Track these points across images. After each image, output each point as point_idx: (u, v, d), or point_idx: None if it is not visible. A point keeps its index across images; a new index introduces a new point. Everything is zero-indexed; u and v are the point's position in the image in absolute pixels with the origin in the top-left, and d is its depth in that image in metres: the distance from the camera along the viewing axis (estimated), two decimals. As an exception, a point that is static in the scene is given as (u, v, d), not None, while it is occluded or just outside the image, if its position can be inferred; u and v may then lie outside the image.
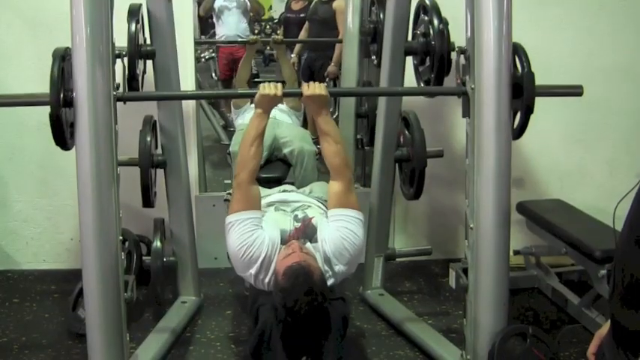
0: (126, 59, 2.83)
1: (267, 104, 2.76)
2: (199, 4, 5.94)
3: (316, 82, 2.78)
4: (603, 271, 3.24)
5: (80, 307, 3.20)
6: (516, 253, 3.84)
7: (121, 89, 2.65)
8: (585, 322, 3.46)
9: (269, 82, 2.79)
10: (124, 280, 2.67)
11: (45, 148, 3.77)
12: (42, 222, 4.09)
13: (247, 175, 2.69)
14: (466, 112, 2.79)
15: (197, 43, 5.01)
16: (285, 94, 2.78)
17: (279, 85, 2.75)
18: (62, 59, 2.46)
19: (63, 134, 2.46)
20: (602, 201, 3.35)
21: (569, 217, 3.83)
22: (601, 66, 4.25)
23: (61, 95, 2.44)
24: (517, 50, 2.73)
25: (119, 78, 2.66)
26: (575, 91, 2.94)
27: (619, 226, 1.46)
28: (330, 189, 2.79)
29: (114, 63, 2.57)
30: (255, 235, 2.60)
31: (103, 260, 2.53)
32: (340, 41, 4.71)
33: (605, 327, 1.58)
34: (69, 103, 2.46)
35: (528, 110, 2.70)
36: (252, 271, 2.60)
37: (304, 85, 2.77)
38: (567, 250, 3.52)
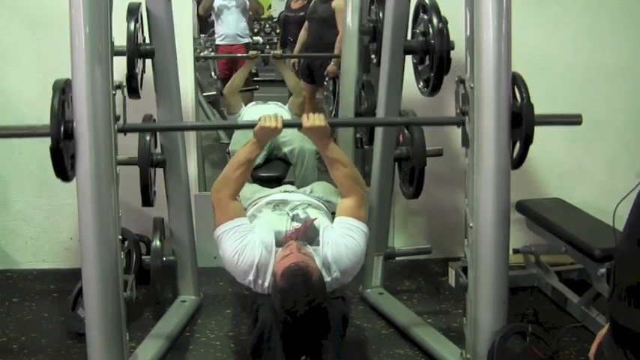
0: (126, 90, 2.81)
1: (266, 136, 2.78)
2: (199, 3, 5.95)
3: (315, 114, 2.79)
4: (603, 270, 3.24)
5: (80, 307, 3.20)
6: (516, 251, 3.85)
7: (121, 120, 2.65)
8: (585, 320, 3.46)
9: (269, 115, 2.78)
10: (123, 280, 2.67)
11: (45, 148, 3.78)
12: (41, 221, 4.09)
13: (228, 193, 2.72)
14: (465, 142, 2.81)
15: (198, 59, 5.00)
16: (285, 126, 2.79)
17: (280, 117, 2.75)
18: (62, 92, 2.46)
19: (64, 166, 2.46)
20: (602, 200, 3.36)
21: (569, 215, 3.84)
22: (601, 64, 4.25)
23: (62, 128, 2.44)
24: (516, 80, 2.73)
25: (119, 106, 2.66)
26: (574, 120, 2.95)
27: (618, 225, 1.46)
28: (341, 203, 2.81)
29: (112, 62, 2.56)
30: (245, 240, 2.61)
31: (103, 260, 2.52)
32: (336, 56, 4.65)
33: (605, 328, 1.58)
34: (69, 135, 2.46)
35: (527, 140, 2.70)
36: (251, 277, 2.60)
37: (304, 116, 2.78)
38: (567, 249, 3.52)
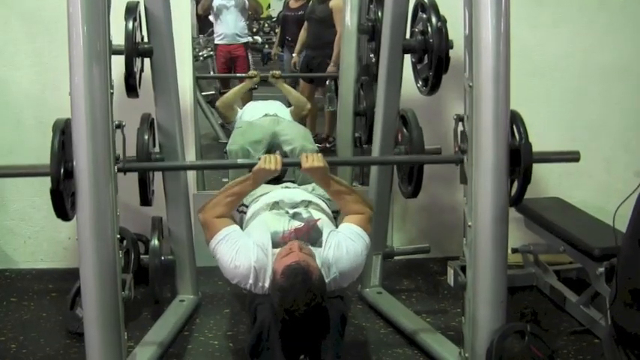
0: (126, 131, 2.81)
1: (264, 177, 2.80)
2: (197, 2, 5.94)
3: (314, 154, 2.83)
4: (601, 269, 3.24)
5: (78, 306, 3.20)
6: (514, 251, 3.87)
7: (121, 158, 2.68)
8: (584, 320, 3.47)
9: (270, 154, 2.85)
10: (121, 279, 2.66)
11: (42, 146, 3.77)
12: (40, 221, 4.09)
13: (215, 215, 2.75)
14: (463, 179, 2.82)
15: (199, 78, 4.98)
16: (285, 165, 2.83)
17: (279, 158, 2.79)
18: (62, 133, 2.47)
19: (64, 206, 2.47)
20: (601, 199, 3.36)
21: (568, 215, 3.84)
22: (599, 64, 4.25)
23: (62, 168, 2.45)
24: (515, 119, 2.75)
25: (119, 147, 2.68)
26: (572, 157, 2.97)
27: (619, 226, 1.45)
28: (350, 215, 2.82)
29: (110, 61, 2.55)
30: (237, 245, 2.64)
31: (101, 259, 2.52)
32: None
33: None
34: (69, 174, 2.47)
35: (525, 180, 2.74)
36: (251, 280, 2.61)
37: (303, 157, 2.82)
38: (565, 248, 3.53)
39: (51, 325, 3.51)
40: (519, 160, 2.70)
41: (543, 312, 3.68)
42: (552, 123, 4.23)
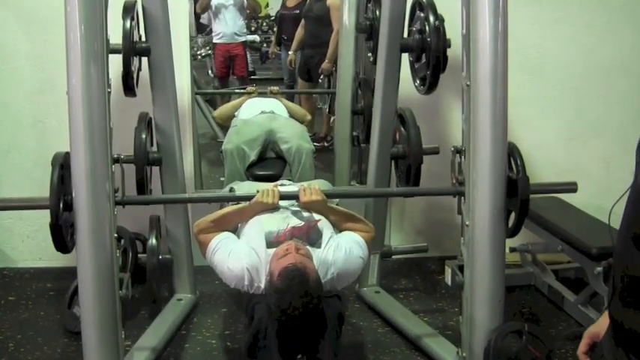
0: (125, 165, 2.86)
1: (261, 210, 2.83)
2: (195, 1, 5.93)
3: (312, 187, 2.87)
4: (599, 269, 3.24)
5: (76, 305, 3.21)
6: (512, 250, 3.85)
7: (119, 193, 2.71)
8: (582, 320, 3.46)
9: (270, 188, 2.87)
10: (119, 278, 2.67)
11: (41, 145, 3.78)
12: (38, 220, 4.07)
13: (207, 232, 2.79)
14: (460, 211, 2.84)
15: (197, 94, 4.98)
16: (283, 198, 2.85)
17: (277, 192, 2.83)
18: (61, 167, 2.50)
19: (63, 240, 2.52)
20: (599, 199, 3.35)
21: (566, 214, 3.83)
22: (600, 62, 4.23)
23: (61, 201, 2.49)
24: (512, 152, 2.75)
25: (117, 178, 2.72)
26: (570, 187, 2.97)
27: (615, 224, 1.45)
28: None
29: (108, 60, 2.56)
30: (229, 249, 2.68)
31: (98, 258, 2.54)
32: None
33: (596, 326, 1.57)
34: (69, 206, 2.51)
35: (522, 212, 2.73)
36: (246, 282, 2.64)
37: (301, 190, 2.86)
38: (564, 248, 3.52)
39: (49, 324, 3.51)
40: (517, 192, 2.70)
41: (541, 311, 3.68)
42: (551, 122, 4.24)
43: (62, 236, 2.50)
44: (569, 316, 3.58)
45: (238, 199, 2.99)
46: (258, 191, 2.84)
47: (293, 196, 2.89)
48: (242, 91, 4.91)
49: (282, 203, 2.90)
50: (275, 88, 4.64)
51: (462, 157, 2.80)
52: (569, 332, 3.40)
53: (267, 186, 3.15)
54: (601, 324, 1.53)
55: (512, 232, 2.81)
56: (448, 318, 3.59)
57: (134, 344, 3.12)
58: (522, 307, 3.70)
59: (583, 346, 1.60)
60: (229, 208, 2.93)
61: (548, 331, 3.40)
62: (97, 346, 2.57)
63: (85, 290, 2.55)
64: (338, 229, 2.89)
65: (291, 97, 5.10)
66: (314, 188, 2.85)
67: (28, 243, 4.21)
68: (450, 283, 2.95)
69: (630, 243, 1.31)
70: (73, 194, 2.49)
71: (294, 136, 3.90)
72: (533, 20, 4.11)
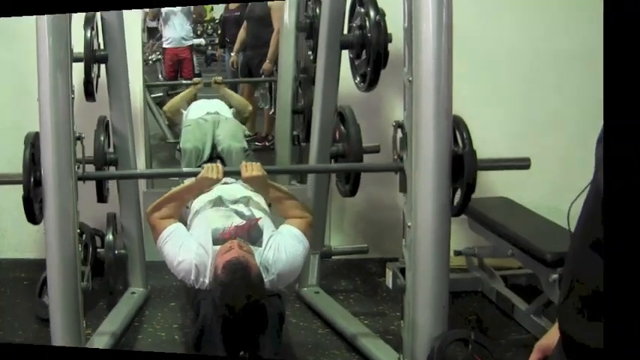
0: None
1: (207, 185, 2.93)
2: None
3: (253, 164, 2.92)
4: (555, 276, 3.02)
5: (45, 295, 3.31)
6: (457, 253, 3.63)
7: (81, 169, 2.84)
8: (534, 330, 3.25)
9: (212, 164, 2.96)
10: (81, 271, 2.83)
11: (11, 145, 3.83)
12: (14, 214, 4.13)
13: (159, 216, 2.87)
14: (403, 188, 2.72)
15: (149, 86, 5.11)
16: (226, 175, 2.97)
17: (221, 167, 2.91)
18: (32, 146, 2.67)
19: (33, 211, 2.67)
20: (555, 199, 3.11)
21: (517, 216, 3.62)
22: (553, 51, 3.96)
23: (32, 177, 2.64)
24: (458, 125, 2.63)
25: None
26: (523, 164, 2.81)
27: (573, 227, 1.27)
28: (292, 219, 2.91)
29: (72, 68, 2.74)
30: (180, 242, 2.77)
31: (63, 251, 2.70)
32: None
33: (546, 338, 1.43)
34: (38, 182, 2.66)
35: (469, 189, 2.60)
36: (192, 276, 2.70)
37: (242, 166, 2.91)
38: (514, 252, 3.30)
39: (23, 311, 3.64)
40: (462, 168, 2.57)
41: (489, 319, 3.52)
42: (501, 118, 4.05)
43: (32, 208, 2.65)
44: (519, 325, 3.40)
45: (186, 175, 3.13)
46: (203, 167, 2.93)
47: (235, 172, 2.98)
48: (188, 82, 5.07)
49: (224, 204, 2.97)
50: (219, 78, 4.77)
51: (403, 132, 2.68)
52: (515, 339, 3.28)
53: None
54: (552, 336, 1.38)
55: (459, 211, 2.68)
56: (389, 322, 3.49)
57: (94, 333, 3.22)
58: (469, 315, 3.56)
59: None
60: (177, 187, 3.05)
61: (497, 341, 3.21)
62: (62, 333, 2.74)
63: (52, 281, 2.73)
64: (277, 211, 2.95)
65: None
66: (255, 164, 2.90)
67: (7, 236, 4.30)
68: (390, 286, 2.79)
69: (588, 249, 1.15)
70: (42, 171, 2.64)
71: (226, 137, 3.88)
72: (481, 9, 3.87)
